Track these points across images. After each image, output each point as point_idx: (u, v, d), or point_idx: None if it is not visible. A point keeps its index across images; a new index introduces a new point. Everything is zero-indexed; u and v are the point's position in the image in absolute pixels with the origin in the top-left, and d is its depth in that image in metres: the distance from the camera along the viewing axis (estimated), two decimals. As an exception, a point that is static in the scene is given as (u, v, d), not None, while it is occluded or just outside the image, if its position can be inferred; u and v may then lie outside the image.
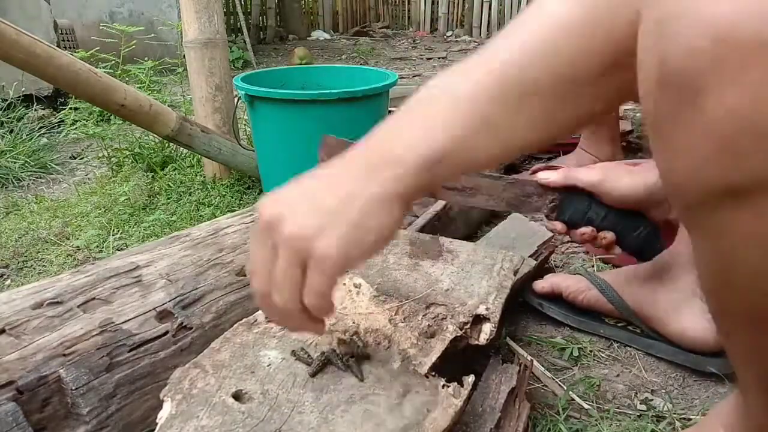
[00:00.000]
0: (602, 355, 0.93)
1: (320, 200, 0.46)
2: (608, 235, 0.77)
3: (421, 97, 0.49)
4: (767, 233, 0.38)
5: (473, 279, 0.78)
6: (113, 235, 1.42)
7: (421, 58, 4.68)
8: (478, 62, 0.48)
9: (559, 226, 0.79)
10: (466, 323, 0.69)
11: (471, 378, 0.61)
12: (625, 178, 0.75)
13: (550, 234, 1.11)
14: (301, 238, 0.45)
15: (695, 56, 0.36)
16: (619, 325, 0.96)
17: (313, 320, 0.50)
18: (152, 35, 2.70)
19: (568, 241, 1.26)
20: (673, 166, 0.42)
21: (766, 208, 0.37)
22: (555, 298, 1.00)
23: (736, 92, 0.35)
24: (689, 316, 0.86)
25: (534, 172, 1.62)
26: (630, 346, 0.94)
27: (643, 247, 0.80)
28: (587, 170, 0.78)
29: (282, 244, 0.46)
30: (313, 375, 0.60)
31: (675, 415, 0.79)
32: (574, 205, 0.78)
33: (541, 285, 1.01)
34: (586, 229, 0.77)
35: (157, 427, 0.53)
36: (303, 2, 6.59)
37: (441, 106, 0.47)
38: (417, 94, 0.49)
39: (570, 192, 0.78)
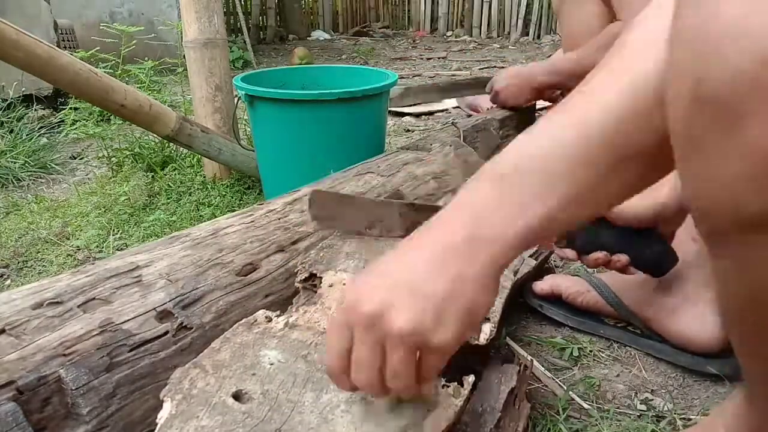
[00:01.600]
0: (602, 355, 0.93)
1: (426, 288, 0.46)
2: (622, 258, 0.75)
3: (504, 169, 0.48)
4: None
5: (473, 279, 0.78)
6: (113, 235, 1.42)
7: (421, 58, 4.67)
8: (564, 123, 0.48)
9: (570, 253, 0.77)
10: (466, 323, 0.69)
11: (471, 378, 0.61)
12: (634, 199, 0.73)
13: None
14: (417, 332, 0.45)
15: (741, 78, 0.34)
16: (618, 325, 0.96)
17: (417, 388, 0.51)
18: (152, 35, 2.70)
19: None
20: (704, 190, 0.40)
21: None
22: (554, 299, 1.00)
23: None
24: (688, 318, 0.86)
25: None
26: (630, 347, 0.94)
27: (658, 264, 0.78)
28: None
29: (394, 339, 0.46)
30: None
31: (675, 415, 0.79)
32: (583, 231, 0.76)
33: (541, 286, 1.01)
34: (599, 254, 0.74)
35: (157, 427, 0.53)
36: (303, 2, 6.58)
37: (527, 182, 0.47)
38: (497, 163, 0.49)
39: None
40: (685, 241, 0.90)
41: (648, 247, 0.76)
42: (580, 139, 0.46)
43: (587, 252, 0.76)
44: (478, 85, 1.70)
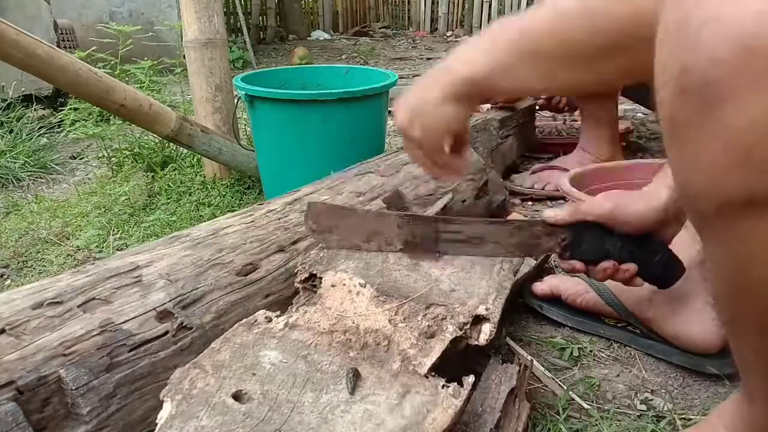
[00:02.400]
0: (602, 355, 0.93)
1: (410, 101, 0.74)
2: (630, 267, 0.73)
3: (481, 34, 0.69)
4: None
5: (473, 279, 0.78)
6: (113, 235, 1.42)
7: (421, 58, 4.68)
8: (514, 24, 0.65)
9: (577, 265, 0.75)
10: (465, 323, 0.69)
11: (471, 378, 0.61)
12: (636, 203, 0.72)
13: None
14: (402, 128, 0.75)
15: (719, 64, 0.35)
16: (618, 325, 0.96)
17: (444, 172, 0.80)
18: (152, 35, 2.70)
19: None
20: (692, 175, 0.41)
21: None
22: (554, 299, 1.00)
23: (759, 101, 0.34)
24: (687, 318, 0.86)
25: (534, 172, 1.63)
26: (630, 347, 0.94)
27: (665, 272, 0.76)
28: (595, 202, 0.74)
29: (397, 128, 0.77)
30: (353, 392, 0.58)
31: (675, 415, 0.79)
32: (587, 240, 0.74)
33: (541, 287, 1.01)
34: (607, 264, 0.73)
35: (157, 428, 0.53)
36: (303, 2, 6.58)
37: (486, 45, 0.67)
38: (486, 29, 0.69)
39: (580, 227, 0.74)
40: (685, 241, 0.90)
41: (655, 255, 0.74)
42: (515, 35, 0.64)
43: (593, 262, 0.74)
44: None
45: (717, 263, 0.46)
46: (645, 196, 0.73)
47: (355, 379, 0.60)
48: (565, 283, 1.00)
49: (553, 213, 0.75)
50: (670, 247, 0.76)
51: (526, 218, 0.80)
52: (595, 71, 0.59)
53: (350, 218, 0.78)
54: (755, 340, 0.47)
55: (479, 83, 0.67)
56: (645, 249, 0.73)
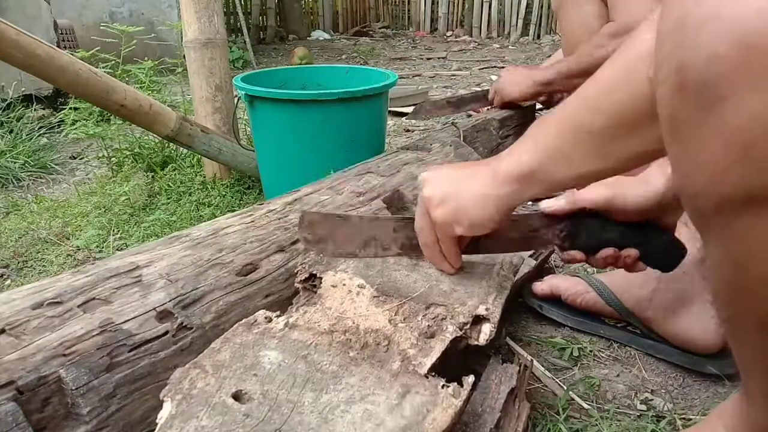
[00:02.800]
0: (602, 355, 0.93)
1: (449, 191, 0.69)
2: (632, 252, 0.72)
3: (525, 134, 0.66)
4: None
5: (473, 279, 0.78)
6: (113, 235, 1.42)
7: (421, 58, 4.68)
8: (555, 115, 0.63)
9: (577, 255, 0.73)
10: (465, 323, 0.69)
11: (471, 378, 0.61)
12: (634, 190, 0.72)
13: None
14: (443, 224, 0.70)
15: (718, 62, 0.36)
16: (618, 325, 0.96)
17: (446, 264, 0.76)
18: (152, 35, 2.70)
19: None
20: (691, 173, 0.41)
21: None
22: (554, 299, 1.00)
23: (759, 99, 0.35)
24: (687, 318, 0.86)
25: None
26: (630, 347, 0.94)
27: (667, 257, 0.74)
28: (593, 189, 0.73)
29: (432, 223, 0.72)
30: None
31: (675, 415, 0.79)
32: (586, 229, 0.73)
33: (541, 287, 1.01)
34: (608, 251, 0.72)
35: (157, 427, 0.53)
36: (303, 2, 6.59)
37: (529, 140, 0.64)
38: (536, 123, 0.66)
39: (578, 216, 0.73)
40: (685, 239, 0.90)
41: (655, 238, 0.73)
42: (561, 119, 0.61)
43: (594, 251, 0.73)
44: (483, 99, 1.71)
45: (717, 261, 0.46)
46: (643, 182, 0.72)
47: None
48: (565, 282, 0.99)
49: (549, 203, 0.74)
50: None
51: (522, 212, 0.78)
52: (646, 137, 0.56)
53: (344, 226, 0.78)
54: (755, 338, 0.47)
55: (524, 179, 0.64)
56: (645, 234, 0.72)
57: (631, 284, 0.92)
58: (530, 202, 1.51)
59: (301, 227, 0.78)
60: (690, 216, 0.46)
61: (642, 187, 0.72)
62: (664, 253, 0.74)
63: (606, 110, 0.56)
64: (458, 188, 0.68)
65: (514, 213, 0.78)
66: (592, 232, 0.73)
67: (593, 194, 0.72)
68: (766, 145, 0.35)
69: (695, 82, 0.37)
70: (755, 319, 0.45)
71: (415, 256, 0.80)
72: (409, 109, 2.51)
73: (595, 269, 1.13)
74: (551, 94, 1.59)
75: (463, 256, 0.82)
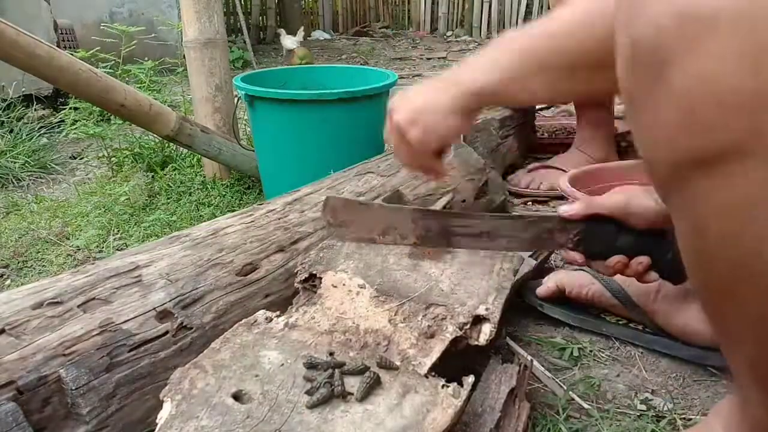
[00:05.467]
0: (602, 355, 0.93)
1: (416, 103, 0.76)
2: (643, 260, 0.72)
3: (488, 46, 0.72)
4: (736, 200, 0.39)
5: (473, 279, 0.78)
6: (113, 235, 1.42)
7: (421, 58, 4.68)
8: (520, 38, 0.70)
9: (578, 257, 0.74)
10: (465, 323, 0.69)
11: (471, 378, 0.61)
12: (649, 199, 0.72)
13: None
14: (401, 125, 0.77)
15: (660, 32, 0.38)
16: (620, 322, 0.96)
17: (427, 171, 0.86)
18: (152, 35, 2.70)
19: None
20: (646, 141, 0.44)
21: (734, 176, 0.38)
22: (557, 298, 1.00)
23: (699, 62, 0.37)
24: (693, 310, 0.86)
25: (530, 171, 1.63)
26: (631, 344, 0.94)
27: (678, 268, 0.74)
28: (609, 196, 0.74)
29: (395, 125, 0.78)
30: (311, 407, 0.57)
31: (675, 415, 0.79)
32: (600, 234, 0.73)
33: (546, 287, 1.00)
34: (618, 258, 0.72)
35: (157, 428, 0.53)
36: (303, 2, 6.58)
37: (492, 56, 0.71)
38: (494, 41, 0.73)
39: (593, 221, 0.73)
40: None
41: (668, 249, 0.72)
42: (523, 44, 0.69)
43: (605, 256, 0.73)
44: None
45: (680, 233, 0.47)
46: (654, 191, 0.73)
47: (370, 386, 0.59)
48: (568, 277, 0.99)
49: (567, 207, 0.75)
50: None
51: (538, 213, 0.79)
52: (596, 80, 0.62)
53: (366, 213, 0.78)
54: (725, 310, 0.48)
55: (486, 96, 0.71)
56: (658, 243, 0.72)
57: None
58: (534, 211, 1.51)
59: (325, 211, 0.78)
60: (655, 189, 0.48)
61: (654, 196, 0.72)
62: (675, 264, 0.73)
63: (562, 51, 0.65)
64: (426, 107, 0.75)
65: (529, 214, 0.79)
66: (605, 237, 0.73)
67: (609, 200, 0.73)
68: (707, 106, 0.37)
69: (645, 54, 0.40)
70: (719, 286, 0.46)
71: (431, 247, 0.81)
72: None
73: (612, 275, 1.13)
74: None
75: (464, 256, 0.82)
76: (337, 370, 0.60)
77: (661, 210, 0.71)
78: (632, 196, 0.72)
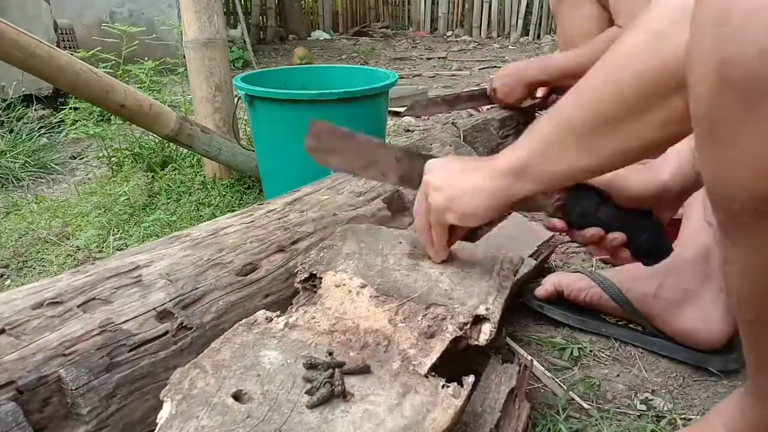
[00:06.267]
0: (602, 355, 0.93)
1: (453, 187, 0.70)
2: (619, 236, 0.71)
3: (527, 129, 0.67)
4: None
5: (473, 279, 0.78)
6: (113, 235, 1.42)
7: (421, 58, 4.67)
8: (552, 109, 0.64)
9: (559, 224, 0.74)
10: (465, 323, 0.69)
11: (471, 378, 0.61)
12: (637, 176, 0.71)
13: (550, 234, 1.10)
14: (436, 209, 0.72)
15: (764, 57, 0.34)
16: (620, 323, 0.96)
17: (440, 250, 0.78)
18: (152, 35, 2.70)
19: (568, 241, 1.26)
20: (728, 174, 0.40)
21: None
22: (556, 299, 1.00)
23: None
24: (692, 314, 0.86)
25: None
26: (631, 345, 0.94)
27: (652, 250, 0.74)
28: None
29: (429, 207, 0.73)
30: (312, 407, 0.56)
31: (675, 415, 0.79)
32: (582, 204, 0.73)
33: (545, 288, 1.00)
34: (595, 230, 0.72)
35: (157, 427, 0.53)
36: (303, 2, 6.58)
37: (527, 135, 0.65)
38: (538, 122, 0.66)
39: (577, 190, 0.73)
40: (690, 235, 0.90)
41: (645, 231, 0.72)
42: (556, 117, 0.62)
43: (582, 227, 0.73)
44: (484, 95, 1.71)
45: (745, 264, 0.45)
46: (647, 170, 0.72)
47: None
48: (568, 279, 0.99)
49: None
50: (677, 241, 0.74)
51: None
52: (625, 134, 0.57)
53: (351, 143, 0.78)
54: None
55: (517, 173, 0.65)
56: (637, 223, 0.72)
57: (635, 280, 0.91)
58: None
59: (309, 136, 0.78)
60: (718, 216, 0.45)
61: (646, 174, 0.71)
62: (651, 246, 0.73)
63: (590, 107, 0.58)
64: (457, 179, 0.70)
65: None
66: (586, 207, 0.72)
67: None
68: None
69: (741, 78, 0.36)
70: None
71: (411, 188, 0.79)
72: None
73: (596, 266, 1.13)
74: (546, 95, 1.59)
75: (464, 256, 0.82)
76: (337, 370, 0.60)
77: (645, 191, 0.71)
78: (620, 173, 0.71)
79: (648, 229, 0.72)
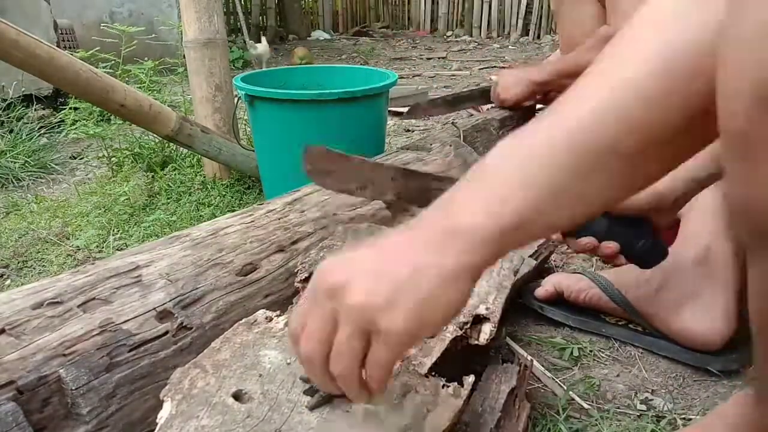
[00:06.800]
0: (602, 355, 0.93)
1: (389, 271, 0.45)
2: (612, 245, 0.71)
3: (488, 165, 0.47)
4: None
5: (473, 279, 0.78)
6: (113, 235, 1.42)
7: (421, 58, 4.67)
8: (541, 130, 0.47)
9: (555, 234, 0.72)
10: (466, 323, 0.69)
11: (471, 378, 0.61)
12: None
13: (550, 234, 1.10)
14: (368, 309, 0.44)
15: None
16: (620, 324, 0.96)
17: (364, 387, 0.48)
18: (152, 35, 2.70)
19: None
20: (759, 192, 0.38)
21: None
22: (556, 299, 1.00)
23: None
24: (691, 315, 0.86)
25: None
26: (631, 345, 0.94)
27: (647, 256, 0.75)
28: None
29: (345, 313, 0.45)
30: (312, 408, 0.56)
31: (675, 415, 0.79)
32: None
33: (544, 289, 1.00)
34: (588, 239, 0.71)
35: (157, 427, 0.53)
36: (303, 2, 6.58)
37: (509, 176, 0.45)
38: (483, 162, 0.48)
39: None
40: (689, 237, 0.90)
41: (640, 238, 0.72)
42: (562, 138, 0.45)
43: (576, 236, 0.72)
44: (485, 95, 1.71)
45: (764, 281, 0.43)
46: None
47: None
48: (567, 280, 0.99)
49: None
50: (677, 242, 0.74)
51: None
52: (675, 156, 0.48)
53: (346, 164, 0.78)
54: None
55: (522, 231, 0.46)
56: (631, 231, 0.72)
57: (635, 281, 0.91)
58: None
59: (306, 159, 0.77)
60: (742, 234, 0.43)
61: None
62: (646, 252, 0.73)
63: (634, 130, 0.45)
64: (411, 277, 0.44)
65: None
66: None
67: None
68: None
69: None
70: None
71: (408, 205, 0.78)
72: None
73: (595, 267, 1.13)
74: (547, 94, 1.59)
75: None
76: None
77: (639, 200, 0.70)
78: None
79: (642, 236, 0.72)
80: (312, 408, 0.55)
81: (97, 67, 1.44)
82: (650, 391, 0.85)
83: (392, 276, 0.44)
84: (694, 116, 0.43)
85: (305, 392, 0.57)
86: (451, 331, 0.68)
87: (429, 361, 0.63)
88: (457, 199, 0.47)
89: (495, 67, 4.05)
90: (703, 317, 0.86)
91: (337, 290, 0.45)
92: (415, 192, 0.75)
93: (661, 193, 0.70)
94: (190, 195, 1.62)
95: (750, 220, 0.40)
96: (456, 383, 0.59)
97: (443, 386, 0.59)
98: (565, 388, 0.84)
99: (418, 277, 0.44)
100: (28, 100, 2.46)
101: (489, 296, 0.74)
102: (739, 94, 0.37)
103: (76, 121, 1.92)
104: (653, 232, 0.73)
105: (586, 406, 0.81)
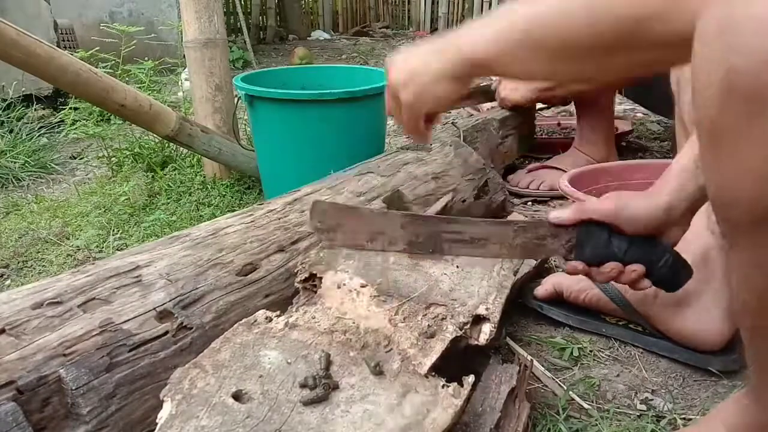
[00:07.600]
0: (602, 355, 0.93)
1: (411, 62, 0.74)
2: (638, 268, 0.70)
3: (494, 13, 0.68)
4: None
5: (473, 279, 0.78)
6: (113, 235, 1.42)
7: (421, 58, 4.67)
8: (522, 12, 0.62)
9: (580, 266, 0.72)
10: (466, 323, 0.69)
11: (471, 378, 0.61)
12: (641, 204, 0.70)
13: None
14: (394, 85, 0.77)
15: None
16: (620, 323, 0.96)
17: (413, 132, 0.81)
18: (152, 35, 2.70)
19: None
20: (731, 182, 0.40)
21: None
22: (556, 299, 1.00)
23: None
24: (691, 315, 0.86)
25: (529, 171, 1.63)
26: (631, 345, 0.94)
27: (672, 275, 0.73)
28: (601, 201, 0.72)
29: (391, 85, 0.78)
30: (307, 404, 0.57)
31: (675, 415, 0.79)
32: (593, 240, 0.71)
33: (544, 288, 1.00)
34: (613, 265, 0.70)
35: (157, 427, 0.53)
36: (303, 2, 6.58)
37: (494, 30, 0.65)
38: (485, 17, 0.69)
39: (585, 227, 0.71)
40: (689, 237, 0.89)
41: (662, 257, 0.71)
42: (514, 24, 0.63)
43: (598, 263, 0.71)
44: (485, 94, 1.71)
45: (748, 272, 0.45)
46: (649, 196, 0.70)
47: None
48: (567, 280, 0.99)
49: (557, 214, 0.72)
50: (678, 243, 0.74)
51: (530, 219, 0.77)
52: (595, 67, 0.60)
53: (354, 217, 0.78)
54: None
55: (480, 66, 0.68)
56: (652, 250, 0.71)
57: None
58: (534, 210, 1.51)
59: (312, 215, 0.78)
60: (722, 225, 0.45)
61: (648, 200, 0.70)
62: (669, 272, 0.72)
63: (564, 36, 0.58)
64: (420, 69, 0.72)
65: (521, 220, 0.76)
66: (598, 243, 0.71)
67: (601, 206, 0.71)
68: None
69: (746, 88, 0.36)
70: None
71: (420, 253, 0.79)
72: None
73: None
74: (551, 94, 1.59)
75: (464, 256, 0.82)
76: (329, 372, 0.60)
77: (652, 215, 0.70)
78: (625, 202, 0.70)
79: (664, 255, 0.71)
80: (307, 403, 0.56)
81: (97, 67, 1.44)
82: (650, 391, 0.85)
83: (410, 67, 0.74)
84: (617, 41, 0.52)
85: (301, 384, 0.58)
86: (451, 332, 0.68)
87: (429, 361, 0.63)
88: (471, 25, 0.69)
89: (495, 67, 4.04)
90: (703, 318, 0.86)
91: (396, 92, 0.77)
92: (425, 239, 0.75)
93: (669, 204, 0.69)
94: (190, 195, 1.62)
95: (724, 210, 0.41)
96: (456, 383, 0.59)
97: (443, 386, 0.59)
98: (565, 388, 0.84)
99: (422, 69, 0.72)
100: (28, 100, 2.46)
101: (489, 296, 0.74)
102: (708, 86, 0.39)
103: (76, 121, 1.92)
104: (672, 249, 0.72)
105: (586, 406, 0.81)
